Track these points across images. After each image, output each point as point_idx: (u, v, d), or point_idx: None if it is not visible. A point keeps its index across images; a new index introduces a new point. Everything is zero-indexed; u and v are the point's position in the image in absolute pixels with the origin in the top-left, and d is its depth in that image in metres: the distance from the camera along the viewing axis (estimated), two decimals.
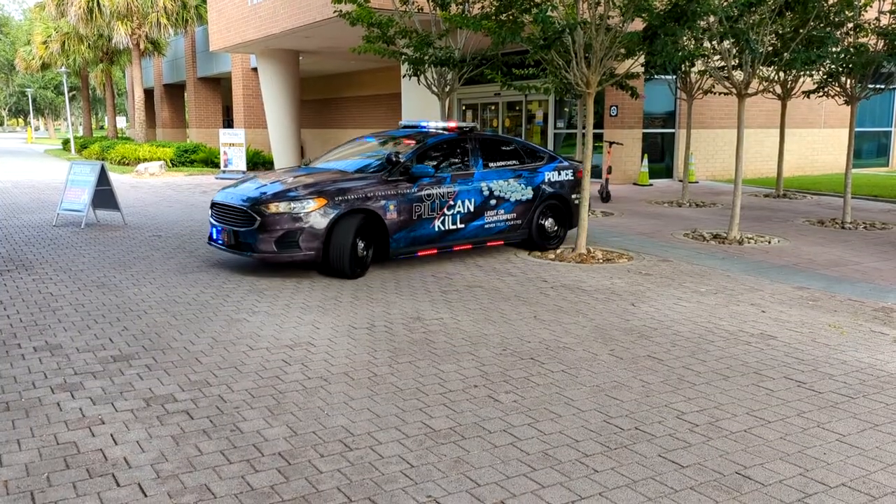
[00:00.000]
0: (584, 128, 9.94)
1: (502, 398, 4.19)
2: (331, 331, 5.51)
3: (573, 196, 9.04)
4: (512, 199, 8.47)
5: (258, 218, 7.02)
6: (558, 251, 8.74)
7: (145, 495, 3.08)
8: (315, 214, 7.02)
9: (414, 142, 8.14)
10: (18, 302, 6.29)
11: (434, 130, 8.58)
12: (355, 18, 10.34)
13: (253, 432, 3.70)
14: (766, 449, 3.56)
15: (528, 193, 8.61)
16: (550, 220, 8.92)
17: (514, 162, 8.65)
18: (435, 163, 8.00)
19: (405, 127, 9.05)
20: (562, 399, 4.18)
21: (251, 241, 7.09)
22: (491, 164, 8.40)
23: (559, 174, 8.94)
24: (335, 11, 10.74)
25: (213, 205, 7.69)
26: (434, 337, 5.37)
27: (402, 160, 7.66)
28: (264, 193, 7.24)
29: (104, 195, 10.86)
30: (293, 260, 7.08)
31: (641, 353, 5.03)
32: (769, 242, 9.56)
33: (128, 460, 3.39)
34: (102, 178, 10.80)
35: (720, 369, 4.71)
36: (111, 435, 3.66)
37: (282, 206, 7.02)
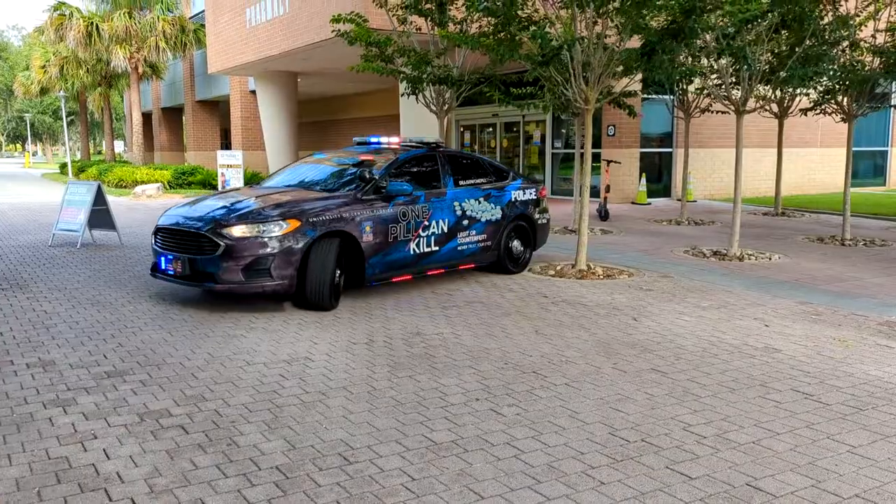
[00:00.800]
0: (581, 147, 9.93)
1: (505, 411, 4.10)
2: (328, 346, 5.42)
3: (536, 217, 8.71)
4: (483, 220, 8.00)
5: (221, 243, 6.16)
6: (558, 267, 8.67)
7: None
8: (289, 238, 6.25)
9: (370, 158, 7.63)
10: (12, 319, 6.20)
11: (396, 146, 8.05)
12: (353, 38, 10.37)
13: (250, 446, 3.60)
14: (777, 460, 3.48)
15: (498, 213, 8.16)
16: (517, 241, 8.50)
17: (482, 180, 8.23)
18: (408, 179, 7.42)
19: (358, 144, 8.37)
20: (566, 412, 4.10)
21: (213, 269, 6.22)
22: (461, 182, 7.93)
23: (524, 193, 8.58)
24: (333, 31, 10.77)
25: (159, 230, 6.81)
26: (434, 351, 5.29)
27: (375, 177, 7.03)
28: (228, 214, 6.43)
29: (101, 215, 10.80)
30: (264, 291, 6.27)
31: (645, 366, 4.95)
32: (770, 259, 9.51)
33: (120, 475, 3.29)
34: (99, 198, 10.74)
35: (725, 382, 4.63)
36: (104, 450, 3.56)
37: (249, 230, 6.21)
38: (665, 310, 6.63)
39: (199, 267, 6.31)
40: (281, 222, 6.30)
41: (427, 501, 3.05)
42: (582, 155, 9.30)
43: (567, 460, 3.46)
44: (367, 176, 7.01)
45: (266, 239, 6.21)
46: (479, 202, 7.99)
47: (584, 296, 7.25)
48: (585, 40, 7.78)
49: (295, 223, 6.32)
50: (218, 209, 6.64)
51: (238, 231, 6.23)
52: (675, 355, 5.20)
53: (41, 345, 5.41)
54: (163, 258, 6.66)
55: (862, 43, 10.66)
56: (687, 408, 4.17)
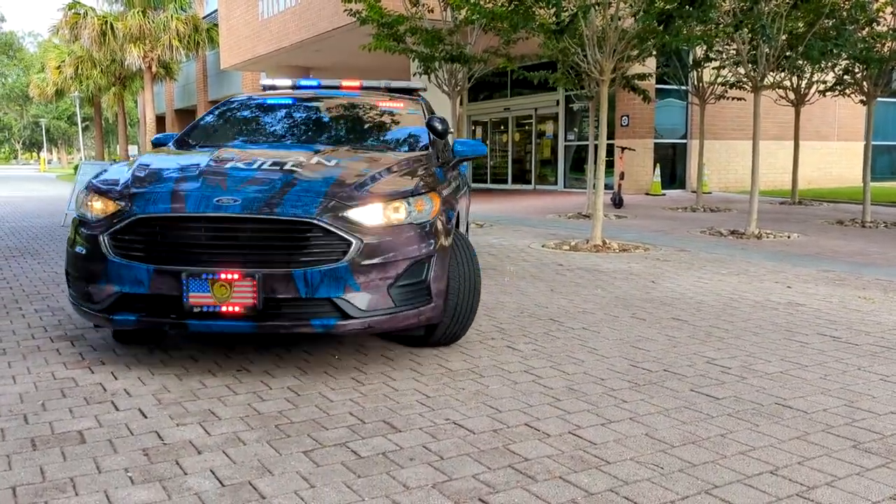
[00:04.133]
0: (596, 129, 9.80)
1: (521, 347, 3.99)
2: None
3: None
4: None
5: (351, 239, 3.31)
6: (572, 243, 8.55)
7: (145, 417, 2.89)
8: (440, 224, 3.69)
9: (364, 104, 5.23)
10: (23, 278, 6.15)
11: (358, 88, 5.63)
12: (365, 18, 10.32)
13: (261, 371, 3.51)
14: (806, 385, 3.34)
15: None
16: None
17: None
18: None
19: (266, 87, 5.66)
20: (584, 348, 3.98)
21: (335, 291, 3.27)
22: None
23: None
24: (345, 10, 10.73)
25: (160, 221, 3.35)
26: None
27: (450, 131, 4.87)
28: (342, 185, 3.51)
29: None
30: (417, 323, 3.56)
31: (665, 315, 4.82)
32: (788, 237, 9.35)
33: (128, 391, 3.21)
34: None
35: (749, 328, 4.49)
36: (112, 372, 3.47)
37: (398, 210, 3.52)
38: (683, 275, 6.49)
39: (301, 290, 3.23)
40: (428, 198, 3.69)
41: (443, 413, 2.94)
42: (597, 139, 9.18)
43: (587, 384, 3.34)
44: (441, 128, 4.63)
45: (422, 227, 3.54)
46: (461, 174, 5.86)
47: (599, 265, 7.12)
48: (601, 2, 7.67)
49: (437, 200, 3.76)
50: (296, 176, 3.55)
51: (381, 213, 3.43)
52: (695, 308, 5.06)
53: (51, 296, 5.35)
54: (189, 280, 3.23)
55: (881, 18, 10.50)
56: (710, 346, 4.04)
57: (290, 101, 5.16)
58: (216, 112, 5.08)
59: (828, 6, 9.23)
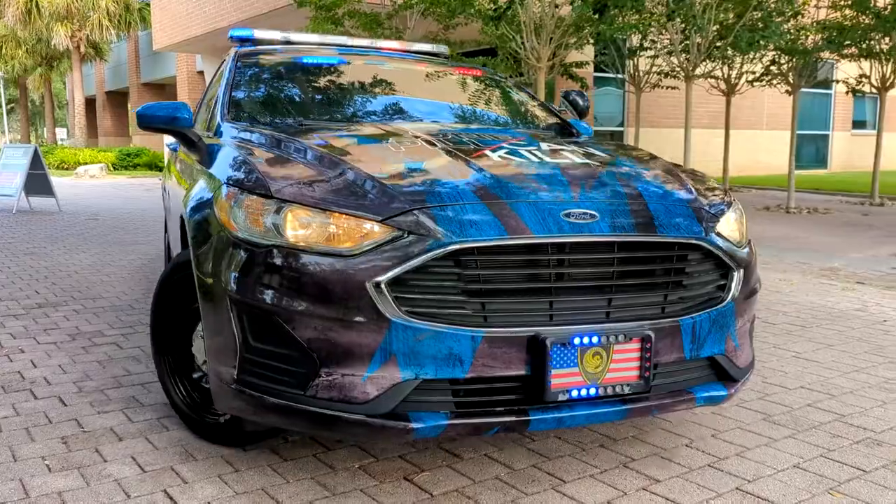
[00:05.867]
0: None
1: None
2: None
3: None
4: None
5: (734, 267, 2.36)
6: None
7: (65, 405, 2.82)
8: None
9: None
10: None
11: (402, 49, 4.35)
12: (303, 0, 10.17)
13: None
14: None
15: None
16: None
17: None
18: None
19: (239, 39, 4.06)
20: None
21: (718, 345, 2.33)
22: None
23: None
24: None
25: (467, 253, 2.04)
26: None
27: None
28: (695, 194, 2.49)
29: (38, 180, 10.38)
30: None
31: None
32: None
33: (48, 379, 3.12)
34: (36, 162, 10.31)
35: None
36: (31, 361, 3.37)
37: (734, 223, 2.53)
38: None
39: (686, 349, 2.25)
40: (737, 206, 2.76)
41: None
42: None
43: None
44: (583, 104, 3.85)
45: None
46: None
47: None
48: None
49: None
50: (631, 183, 2.44)
51: (735, 228, 2.48)
52: None
53: None
54: (553, 348, 2.04)
55: (804, 17, 10.91)
56: None
57: (343, 63, 3.80)
58: (249, 77, 3.50)
59: (755, 1, 9.53)
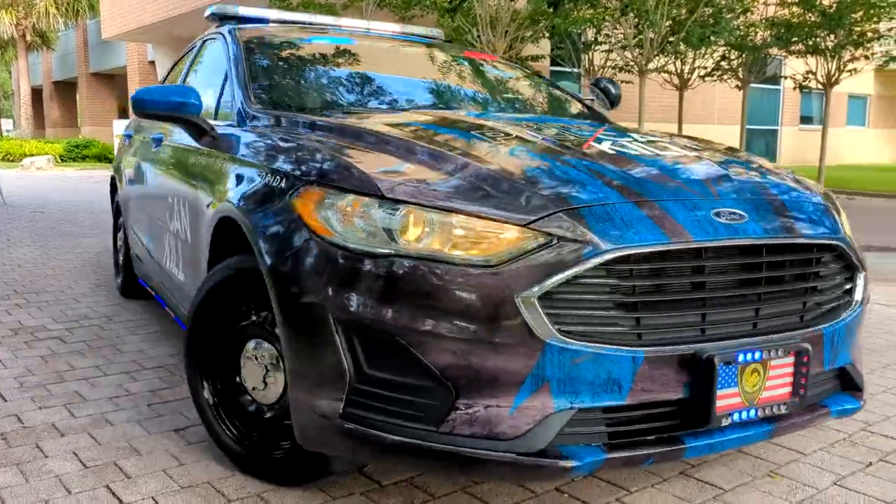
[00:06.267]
0: None
1: None
2: None
3: None
4: None
5: (862, 270, 2.21)
6: None
7: (5, 401, 2.74)
8: None
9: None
10: None
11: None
12: None
13: (135, 351, 3.38)
14: None
15: None
16: None
17: None
18: None
19: (221, 17, 3.56)
20: None
21: (848, 355, 2.16)
22: None
23: None
24: None
25: (625, 261, 1.78)
26: None
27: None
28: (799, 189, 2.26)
29: None
30: None
31: None
32: None
33: None
34: None
35: None
36: None
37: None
38: None
39: (826, 360, 2.06)
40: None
41: None
42: None
43: None
44: (615, 92, 3.66)
45: None
46: None
47: None
48: None
49: None
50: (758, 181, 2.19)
51: (849, 228, 2.36)
52: None
53: None
54: (721, 367, 1.81)
55: (754, 14, 11.16)
56: None
57: (356, 44, 3.39)
58: (268, 59, 3.09)
59: None
